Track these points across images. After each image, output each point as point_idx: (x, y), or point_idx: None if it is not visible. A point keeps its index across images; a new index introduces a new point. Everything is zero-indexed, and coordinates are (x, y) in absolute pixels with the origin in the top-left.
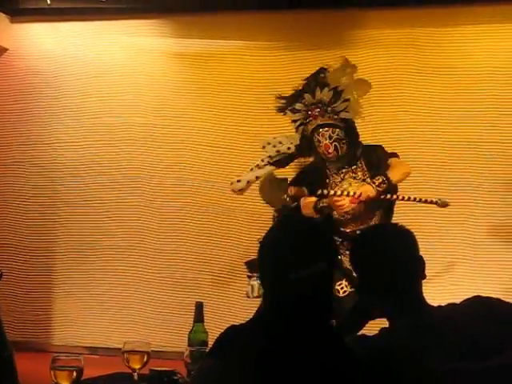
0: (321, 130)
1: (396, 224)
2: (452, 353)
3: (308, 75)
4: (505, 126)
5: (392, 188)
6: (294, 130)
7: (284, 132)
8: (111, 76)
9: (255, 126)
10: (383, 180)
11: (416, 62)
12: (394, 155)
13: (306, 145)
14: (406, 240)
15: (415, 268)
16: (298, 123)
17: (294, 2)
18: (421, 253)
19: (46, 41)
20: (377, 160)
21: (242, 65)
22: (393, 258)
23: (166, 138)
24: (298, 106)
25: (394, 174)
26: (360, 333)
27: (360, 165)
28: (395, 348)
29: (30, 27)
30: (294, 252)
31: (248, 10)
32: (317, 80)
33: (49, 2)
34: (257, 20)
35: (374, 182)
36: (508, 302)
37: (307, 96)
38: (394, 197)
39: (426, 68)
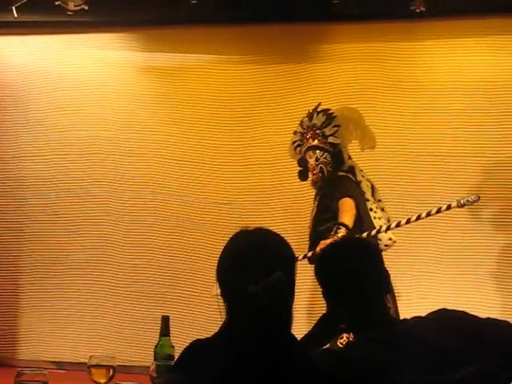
0: (310, 151)
1: (360, 238)
2: (417, 366)
3: (275, 88)
4: (470, 140)
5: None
6: (261, 144)
7: (252, 144)
8: (79, 89)
9: (222, 140)
10: (345, 231)
11: (382, 76)
12: (347, 194)
13: (303, 166)
14: (369, 254)
15: (380, 282)
16: (295, 144)
17: (261, 17)
18: (387, 267)
19: (13, 54)
20: (330, 200)
21: (209, 78)
22: (357, 273)
23: (132, 151)
24: (297, 128)
25: (348, 220)
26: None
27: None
28: (360, 361)
29: None
30: (250, 264)
31: (215, 23)
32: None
33: (16, 15)
34: (224, 34)
35: (337, 236)
36: (473, 315)
37: (305, 120)
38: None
39: (391, 82)
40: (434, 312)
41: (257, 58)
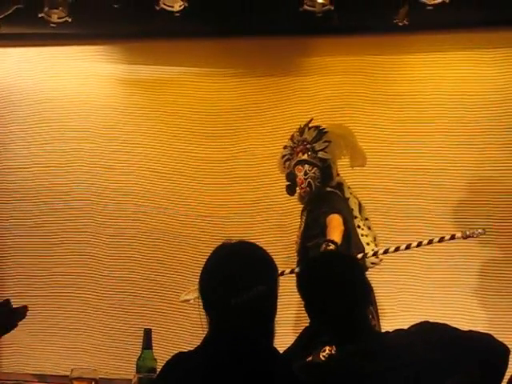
0: (299, 165)
1: (341, 252)
2: (399, 379)
3: (258, 101)
4: (453, 153)
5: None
6: (244, 157)
7: (235, 157)
8: (61, 102)
9: (205, 152)
10: (334, 247)
11: (365, 90)
12: (335, 210)
13: (291, 181)
14: (351, 267)
15: (361, 295)
16: (285, 159)
17: (244, 30)
18: (371, 280)
19: None
20: (318, 215)
21: (192, 91)
22: (338, 286)
23: (115, 163)
24: (288, 143)
25: (336, 237)
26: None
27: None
28: (342, 374)
29: None
30: (232, 278)
31: (199, 36)
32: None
33: None
34: (207, 47)
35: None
36: (455, 328)
37: (296, 134)
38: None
39: (375, 95)
40: (416, 325)
41: (240, 70)
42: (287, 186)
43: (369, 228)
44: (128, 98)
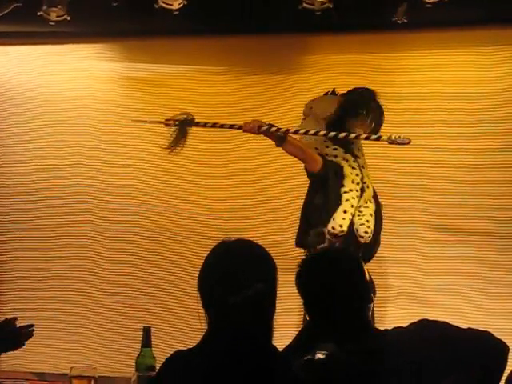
0: None
1: (342, 249)
2: (398, 377)
3: (256, 100)
4: (453, 150)
5: None
6: (243, 155)
7: (234, 155)
8: (60, 100)
9: (204, 151)
10: None
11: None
12: None
13: None
14: (350, 265)
15: (361, 293)
16: None
17: (242, 28)
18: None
19: None
20: None
21: (191, 89)
22: (337, 284)
23: (114, 162)
24: None
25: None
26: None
27: None
28: (341, 372)
29: None
30: (231, 276)
31: (197, 34)
32: None
33: None
34: (206, 45)
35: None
36: (454, 326)
37: None
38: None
39: None
40: (415, 323)
41: (238, 69)
42: None
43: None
44: (127, 96)
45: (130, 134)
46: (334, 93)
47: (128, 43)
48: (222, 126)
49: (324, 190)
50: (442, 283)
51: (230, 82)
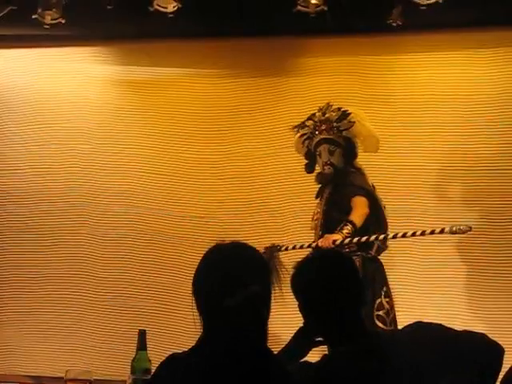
0: (324, 144)
1: (336, 251)
2: (393, 379)
3: (252, 102)
4: (447, 153)
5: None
6: (238, 157)
7: (229, 158)
8: (56, 103)
9: (199, 153)
10: (351, 228)
11: (359, 90)
12: (361, 192)
13: (310, 159)
14: (345, 267)
15: (355, 295)
16: (305, 137)
17: (238, 30)
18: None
19: None
20: (341, 196)
21: (186, 92)
22: (332, 286)
23: (110, 164)
24: (307, 122)
25: (357, 219)
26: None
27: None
28: (336, 375)
29: None
30: (225, 278)
31: (192, 37)
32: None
33: None
34: (201, 47)
35: (342, 232)
36: (449, 328)
37: (318, 114)
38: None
39: (368, 95)
40: (409, 325)
41: (234, 71)
42: (306, 164)
43: None
44: (123, 98)
45: (127, 136)
46: None
47: (123, 46)
48: (301, 247)
49: None
50: (440, 285)
51: (225, 84)
